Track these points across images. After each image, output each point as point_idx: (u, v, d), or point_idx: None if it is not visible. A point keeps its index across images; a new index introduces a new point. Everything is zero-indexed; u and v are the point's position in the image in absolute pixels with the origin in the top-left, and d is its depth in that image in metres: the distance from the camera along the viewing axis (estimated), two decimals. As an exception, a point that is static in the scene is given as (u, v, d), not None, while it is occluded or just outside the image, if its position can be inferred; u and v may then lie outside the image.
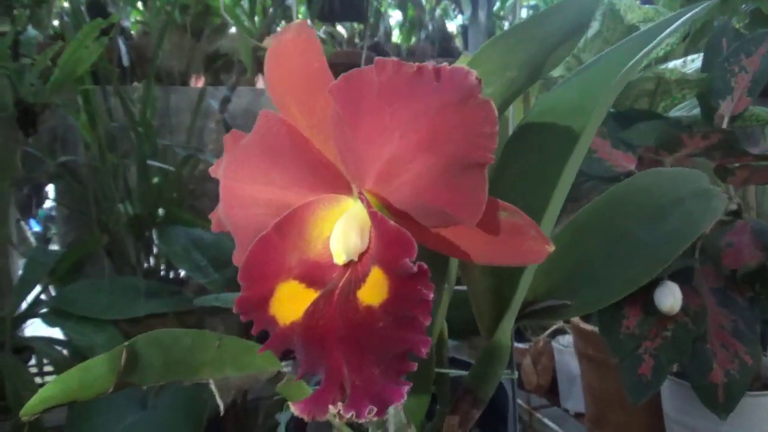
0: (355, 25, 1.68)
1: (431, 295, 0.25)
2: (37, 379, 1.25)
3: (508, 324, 0.36)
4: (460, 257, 0.29)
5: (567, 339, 1.28)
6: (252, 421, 1.38)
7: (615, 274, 0.39)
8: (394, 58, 0.26)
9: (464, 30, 1.77)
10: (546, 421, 1.24)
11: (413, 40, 1.75)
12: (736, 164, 0.80)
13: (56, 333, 1.25)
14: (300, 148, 0.30)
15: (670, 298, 0.77)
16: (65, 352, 1.25)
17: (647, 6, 0.90)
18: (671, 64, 0.98)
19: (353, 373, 0.27)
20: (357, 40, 1.72)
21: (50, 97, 1.20)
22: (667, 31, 0.33)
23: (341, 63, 1.42)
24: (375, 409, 0.25)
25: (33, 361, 1.35)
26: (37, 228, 1.77)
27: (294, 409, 0.28)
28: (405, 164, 0.26)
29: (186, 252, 1.35)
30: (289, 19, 1.43)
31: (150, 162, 1.35)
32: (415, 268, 0.25)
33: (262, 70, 1.72)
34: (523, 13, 1.93)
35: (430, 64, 0.25)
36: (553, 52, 0.34)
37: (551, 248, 0.27)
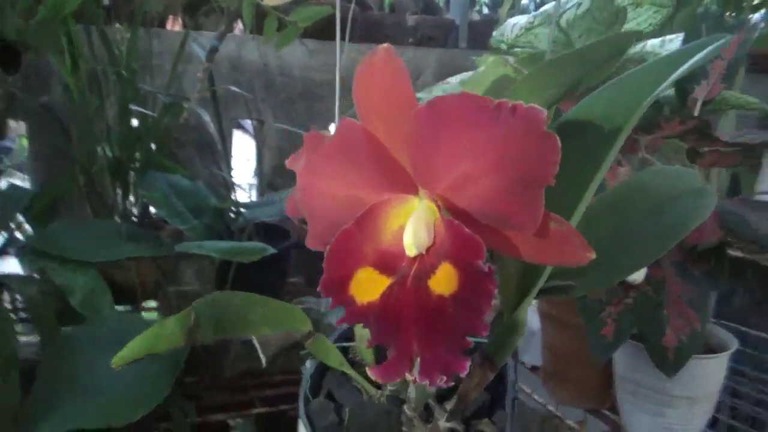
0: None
1: (495, 290, 0.31)
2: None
3: (528, 303, 0.42)
4: (509, 253, 0.35)
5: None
6: (224, 360, 1.45)
7: (618, 260, 0.45)
8: (475, 94, 0.31)
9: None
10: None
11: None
12: (707, 148, 0.87)
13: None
14: (377, 153, 0.35)
15: (638, 270, 0.85)
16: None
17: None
18: (649, 44, 1.03)
19: (424, 348, 0.32)
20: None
21: (34, 37, 1.19)
22: (695, 59, 0.38)
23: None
24: (445, 378, 0.31)
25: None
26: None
27: (371, 373, 0.33)
28: (476, 180, 0.32)
29: (165, 198, 1.37)
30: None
31: (132, 106, 1.35)
32: (486, 268, 0.31)
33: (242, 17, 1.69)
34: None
35: (508, 102, 0.30)
36: (590, 73, 0.40)
37: (593, 255, 0.33)
